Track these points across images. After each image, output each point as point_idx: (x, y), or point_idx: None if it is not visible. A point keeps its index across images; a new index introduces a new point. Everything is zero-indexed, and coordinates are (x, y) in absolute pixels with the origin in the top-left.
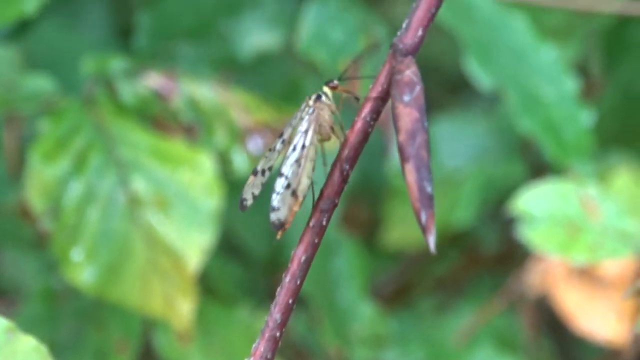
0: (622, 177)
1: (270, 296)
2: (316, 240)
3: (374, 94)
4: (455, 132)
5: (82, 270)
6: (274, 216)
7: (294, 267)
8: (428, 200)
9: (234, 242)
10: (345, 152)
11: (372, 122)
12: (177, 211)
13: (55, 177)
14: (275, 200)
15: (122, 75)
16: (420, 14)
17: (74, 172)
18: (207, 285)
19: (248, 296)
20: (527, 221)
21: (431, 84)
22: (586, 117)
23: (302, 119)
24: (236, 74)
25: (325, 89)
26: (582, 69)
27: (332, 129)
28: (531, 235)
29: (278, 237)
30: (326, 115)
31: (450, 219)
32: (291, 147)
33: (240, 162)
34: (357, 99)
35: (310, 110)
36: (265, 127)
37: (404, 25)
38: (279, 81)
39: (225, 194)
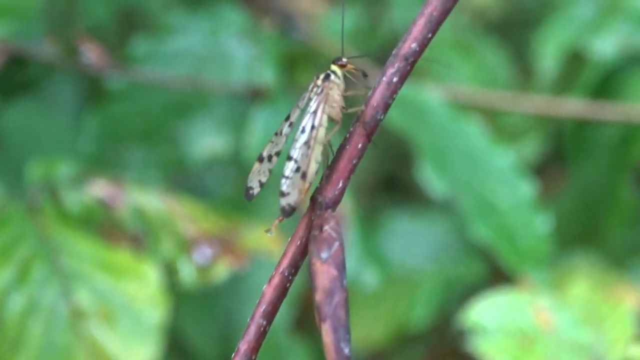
0: (579, 285)
1: None
2: None
3: (291, 247)
4: (415, 229)
5: None
6: (283, 202)
7: None
8: None
9: (182, 344)
10: (263, 307)
11: (290, 277)
12: (121, 323)
13: None
14: (285, 185)
15: (67, 182)
16: (341, 165)
17: (17, 283)
18: None
19: None
20: (479, 333)
21: (393, 161)
22: (543, 223)
23: (310, 99)
24: (186, 178)
25: (334, 67)
26: (541, 168)
27: (342, 108)
28: (484, 347)
29: (278, 222)
30: (335, 95)
31: (408, 318)
32: (300, 129)
33: (187, 273)
34: (365, 75)
35: (319, 90)
36: (212, 237)
37: (324, 177)
38: (231, 185)
39: (172, 305)
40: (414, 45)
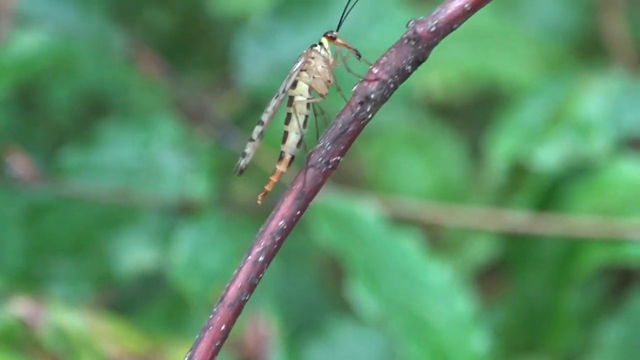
0: None
1: None
2: None
3: None
4: (358, 335)
5: None
6: (242, 162)
7: None
8: None
9: None
10: None
11: None
12: None
13: None
14: (248, 147)
15: None
16: (203, 348)
17: None
18: None
19: None
20: None
21: None
22: (479, 340)
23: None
24: (115, 293)
25: (323, 39)
26: (488, 272)
27: (328, 82)
28: None
29: (259, 200)
30: (319, 66)
31: None
32: (275, 95)
33: None
34: (358, 54)
35: (300, 59)
36: (135, 357)
37: (185, 358)
38: (162, 299)
39: None
40: (281, 223)
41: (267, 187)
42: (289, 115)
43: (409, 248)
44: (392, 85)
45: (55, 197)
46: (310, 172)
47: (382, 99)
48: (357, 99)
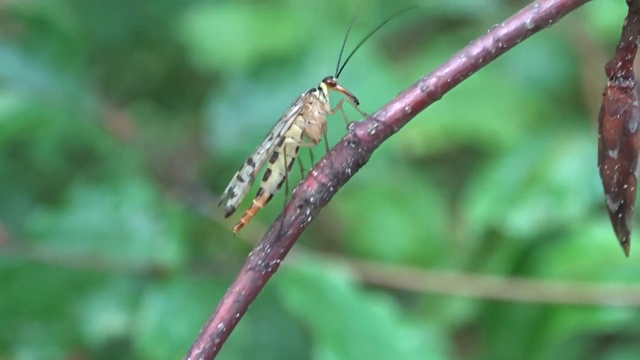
0: None
1: None
2: None
3: None
4: None
5: None
6: (230, 202)
7: None
8: None
9: None
10: None
11: None
12: None
13: None
14: (236, 187)
15: None
16: None
17: None
18: None
19: None
20: None
21: None
22: None
23: (290, 110)
24: (85, 357)
25: (322, 84)
26: (467, 328)
27: (322, 127)
28: None
29: (234, 231)
30: (316, 111)
31: None
32: (268, 136)
33: None
34: (356, 101)
35: (299, 101)
36: None
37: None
38: None
39: None
40: (220, 325)
41: (244, 220)
42: (275, 154)
43: (380, 313)
44: (331, 189)
45: (26, 261)
46: (250, 274)
47: (322, 202)
48: (297, 202)
